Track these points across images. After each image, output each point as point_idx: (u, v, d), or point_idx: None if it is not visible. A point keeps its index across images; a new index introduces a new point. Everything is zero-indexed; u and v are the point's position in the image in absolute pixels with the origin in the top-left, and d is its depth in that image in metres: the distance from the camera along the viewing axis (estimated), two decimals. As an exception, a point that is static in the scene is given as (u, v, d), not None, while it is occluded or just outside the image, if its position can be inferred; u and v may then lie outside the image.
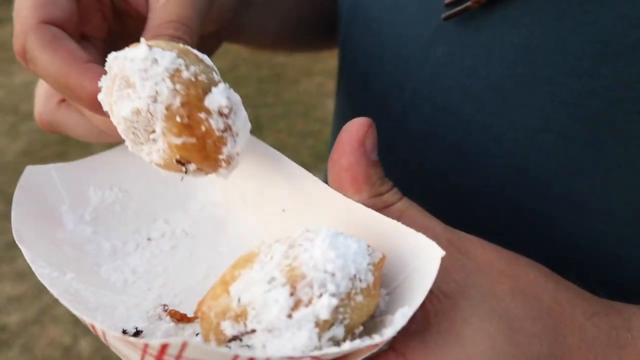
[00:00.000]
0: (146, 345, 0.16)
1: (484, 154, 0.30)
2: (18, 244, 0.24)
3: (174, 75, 0.21)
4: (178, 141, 0.21)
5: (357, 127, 0.24)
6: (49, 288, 0.23)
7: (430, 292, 0.19)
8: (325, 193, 0.23)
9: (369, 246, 0.19)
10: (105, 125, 0.26)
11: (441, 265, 0.19)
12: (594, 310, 0.22)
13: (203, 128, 0.22)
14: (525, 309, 0.21)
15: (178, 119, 0.21)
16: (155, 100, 0.21)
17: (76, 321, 1.80)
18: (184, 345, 0.15)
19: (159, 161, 0.23)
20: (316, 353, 0.16)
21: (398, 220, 0.22)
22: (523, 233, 0.29)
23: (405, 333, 0.19)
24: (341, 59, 0.42)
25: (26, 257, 0.24)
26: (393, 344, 0.20)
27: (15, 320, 1.80)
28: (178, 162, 0.23)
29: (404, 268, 0.20)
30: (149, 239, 0.29)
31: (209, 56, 0.26)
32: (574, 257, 0.28)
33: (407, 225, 0.21)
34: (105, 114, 0.24)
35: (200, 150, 0.22)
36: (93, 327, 0.19)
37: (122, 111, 0.22)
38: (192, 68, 0.22)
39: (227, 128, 0.22)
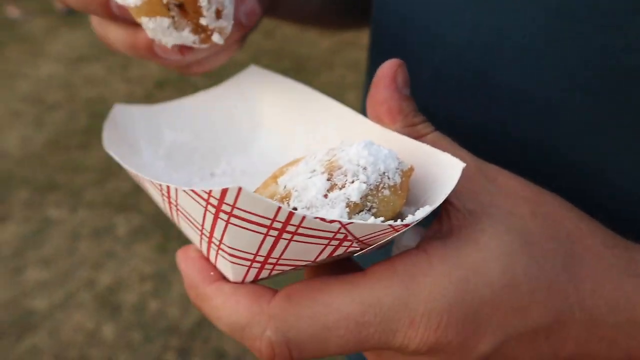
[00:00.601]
0: (210, 193, 0.18)
1: (513, 115, 0.30)
2: (108, 151, 0.29)
3: None
4: None
5: (389, 66, 0.26)
6: (133, 170, 0.25)
7: (457, 210, 0.22)
8: (366, 124, 0.27)
9: (398, 157, 0.22)
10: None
11: (469, 187, 0.22)
12: (615, 242, 0.23)
13: None
14: (544, 228, 0.22)
15: None
16: None
17: (100, 307, 1.85)
18: (239, 192, 0.17)
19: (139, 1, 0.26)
20: (345, 221, 0.18)
21: None
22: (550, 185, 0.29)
23: (430, 237, 0.22)
24: (373, 28, 0.42)
25: (116, 158, 0.27)
26: (419, 244, 0.22)
27: (42, 305, 1.86)
28: (164, 7, 0.25)
29: (431, 184, 0.22)
30: (211, 174, 0.34)
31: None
32: (599, 205, 0.28)
33: None
34: None
35: None
36: (167, 190, 0.21)
37: None
38: None
39: None
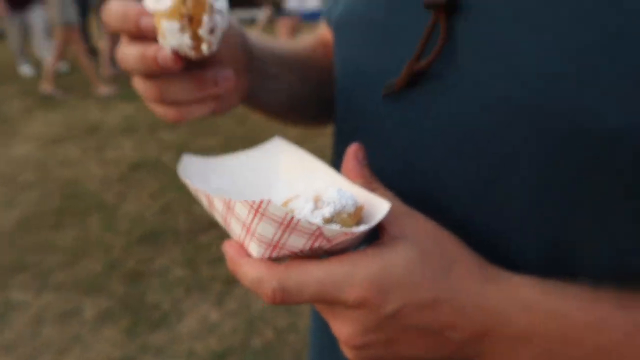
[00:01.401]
0: (254, 202, 0.31)
1: (442, 204, 0.41)
2: (183, 179, 0.41)
3: None
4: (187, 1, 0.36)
5: (354, 148, 0.41)
6: (194, 183, 0.39)
7: (386, 232, 0.35)
8: (341, 179, 0.41)
9: (355, 199, 0.35)
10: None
11: (395, 220, 0.35)
12: (481, 263, 0.36)
13: (203, 6, 0.36)
14: (436, 248, 0.35)
15: None
16: None
17: None
18: (269, 202, 0.30)
19: (168, 4, 0.36)
20: (321, 224, 0.32)
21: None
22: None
23: (370, 245, 0.34)
24: (337, 123, 0.56)
25: (188, 183, 0.40)
26: (365, 248, 0.35)
27: None
28: (182, 15, 0.36)
29: (373, 215, 0.35)
30: None
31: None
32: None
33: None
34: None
35: (196, 2, 0.35)
36: (229, 201, 0.34)
37: None
38: None
39: (213, 10, 0.36)
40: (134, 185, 3.39)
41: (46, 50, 6.04)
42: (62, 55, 5.44)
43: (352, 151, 0.41)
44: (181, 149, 3.97)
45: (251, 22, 11.58)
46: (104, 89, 5.43)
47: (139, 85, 0.44)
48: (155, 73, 0.41)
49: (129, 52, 0.40)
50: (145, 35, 0.39)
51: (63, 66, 6.24)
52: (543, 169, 0.35)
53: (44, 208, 3.06)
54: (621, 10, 0.31)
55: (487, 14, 0.36)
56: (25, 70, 6.42)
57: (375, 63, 0.44)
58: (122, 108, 4.97)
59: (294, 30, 5.41)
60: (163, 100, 0.43)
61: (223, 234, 2.75)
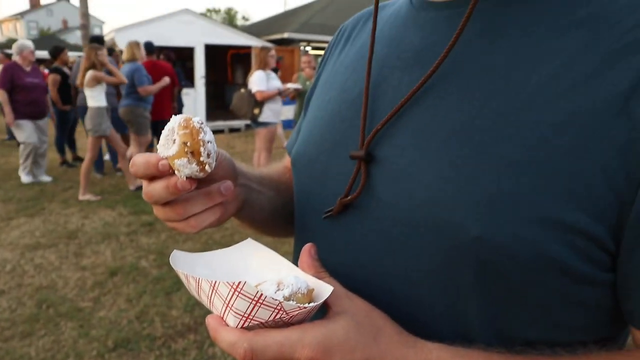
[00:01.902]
0: (233, 283, 0.42)
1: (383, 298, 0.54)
2: (174, 267, 0.52)
3: (186, 121, 0.50)
4: (187, 141, 0.49)
5: (307, 246, 0.54)
6: (184, 271, 0.50)
7: (330, 308, 0.47)
8: (297, 270, 0.53)
9: (307, 284, 0.47)
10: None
11: (337, 300, 0.47)
12: (405, 333, 0.48)
13: (198, 143, 0.49)
14: (368, 320, 0.46)
15: (186, 132, 0.50)
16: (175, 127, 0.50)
17: None
18: (245, 283, 0.42)
19: (175, 150, 0.49)
20: (282, 301, 0.43)
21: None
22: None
23: (319, 319, 0.45)
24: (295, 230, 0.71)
25: (176, 268, 0.52)
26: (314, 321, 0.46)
27: None
28: (186, 152, 0.49)
29: (321, 296, 0.46)
30: None
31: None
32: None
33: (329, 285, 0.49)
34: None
35: (193, 139, 0.49)
36: (214, 283, 0.46)
37: (161, 142, 0.51)
38: (195, 119, 0.51)
39: (206, 142, 0.50)
40: (110, 290, 3.38)
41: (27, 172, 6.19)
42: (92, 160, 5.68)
43: (307, 249, 0.54)
44: (160, 254, 4.01)
45: (229, 131, 12.12)
46: (88, 196, 5.55)
47: (162, 213, 0.56)
48: (177, 196, 0.53)
49: (154, 188, 0.52)
50: (162, 174, 0.52)
51: (46, 178, 6.32)
52: (439, 268, 0.49)
53: (15, 317, 3.00)
54: (471, 143, 0.46)
55: (393, 162, 0.52)
56: (25, 178, 6.36)
57: (319, 194, 0.60)
58: (103, 215, 5.04)
59: (272, 140, 5.73)
60: (184, 216, 0.55)
61: (199, 340, 2.73)
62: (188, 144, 0.49)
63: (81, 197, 5.59)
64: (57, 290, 3.39)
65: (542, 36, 0.47)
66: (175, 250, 0.57)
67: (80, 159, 7.67)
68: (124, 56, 6.01)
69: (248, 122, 5.96)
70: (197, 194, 0.55)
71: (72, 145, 7.75)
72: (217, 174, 0.57)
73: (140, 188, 5.78)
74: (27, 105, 6.05)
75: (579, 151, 0.42)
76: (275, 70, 6.21)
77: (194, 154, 0.49)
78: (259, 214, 0.71)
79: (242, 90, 5.68)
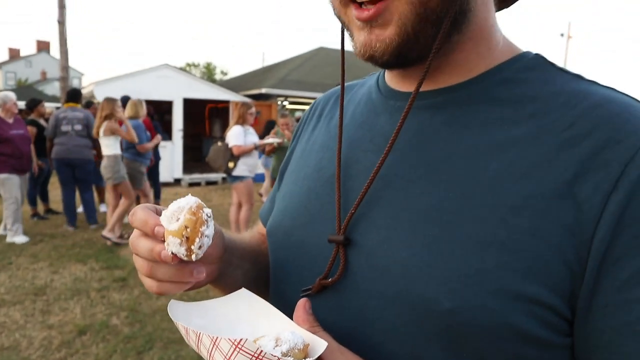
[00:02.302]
0: (234, 340, 0.45)
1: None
2: (173, 319, 0.55)
3: (197, 208, 0.53)
4: (188, 226, 0.52)
5: (302, 301, 0.56)
6: (183, 323, 0.53)
7: None
8: (293, 324, 0.54)
9: (303, 339, 0.49)
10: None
11: (331, 354, 0.50)
12: None
13: (197, 233, 0.52)
14: None
15: (192, 219, 0.53)
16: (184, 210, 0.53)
17: None
18: (246, 340, 0.44)
19: (175, 228, 0.52)
20: (281, 356, 0.45)
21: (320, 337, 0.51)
22: None
23: None
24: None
25: (175, 320, 0.55)
26: None
27: None
28: (183, 235, 0.51)
29: (317, 351, 0.49)
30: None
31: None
32: None
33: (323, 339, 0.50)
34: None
35: (194, 227, 0.52)
36: (215, 338, 0.48)
37: (168, 211, 0.54)
38: (205, 211, 0.54)
39: (203, 235, 0.52)
40: (78, 351, 3.25)
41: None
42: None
43: (302, 304, 0.56)
44: (133, 310, 3.89)
45: (206, 184, 12.09)
46: (111, 234, 5.83)
47: (137, 261, 0.58)
48: (156, 262, 0.56)
49: (141, 243, 0.56)
50: (153, 237, 0.55)
51: (23, 238, 6.08)
52: (413, 337, 0.52)
53: (-23, 379, 2.85)
54: (440, 224, 0.52)
55: (368, 242, 0.56)
56: (19, 238, 6.02)
57: (296, 269, 0.64)
58: (74, 270, 4.90)
59: (251, 194, 5.75)
60: (150, 276, 0.57)
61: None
62: (188, 229, 0.52)
63: (105, 233, 5.80)
64: (20, 351, 3.25)
65: (498, 128, 0.54)
66: (172, 300, 0.59)
67: (52, 211, 7.52)
68: (127, 113, 6.24)
69: (222, 173, 6.01)
70: (171, 264, 0.57)
71: (45, 197, 7.61)
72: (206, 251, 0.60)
73: (118, 244, 5.81)
74: (13, 158, 5.88)
75: (535, 231, 0.48)
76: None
77: (189, 240, 0.52)
78: (231, 286, 0.72)
79: (219, 143, 5.75)
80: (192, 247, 0.52)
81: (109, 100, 5.79)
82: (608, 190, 0.47)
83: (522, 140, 0.52)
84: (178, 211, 0.53)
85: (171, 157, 11.63)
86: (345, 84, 0.74)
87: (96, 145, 6.50)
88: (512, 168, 0.51)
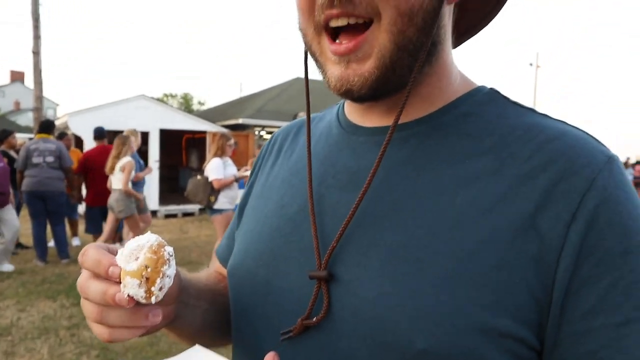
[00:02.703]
0: None
1: None
2: None
3: (158, 246, 0.50)
4: (149, 266, 0.49)
5: (270, 355, 0.52)
6: None
7: None
8: None
9: None
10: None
11: None
12: None
13: (158, 274, 0.49)
14: None
15: (153, 258, 0.50)
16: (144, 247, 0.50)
17: None
18: None
19: (134, 268, 0.48)
20: None
21: None
22: None
23: None
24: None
25: None
26: None
27: None
28: (142, 276, 0.48)
29: None
30: None
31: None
32: None
33: None
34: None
35: (155, 267, 0.49)
36: None
37: (126, 249, 0.50)
38: (167, 249, 0.51)
39: (165, 275, 0.50)
40: (44, 394, 3.09)
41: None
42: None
43: (271, 356, 0.53)
44: (104, 349, 3.75)
45: (183, 215, 11.92)
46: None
47: (85, 306, 0.54)
48: (109, 305, 0.51)
49: (92, 285, 0.52)
50: (106, 279, 0.51)
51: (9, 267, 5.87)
52: None
53: None
54: (409, 260, 0.51)
55: (341, 280, 0.54)
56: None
57: (262, 311, 0.61)
58: (43, 307, 4.72)
59: (227, 226, 5.68)
60: (101, 322, 0.53)
61: None
62: (149, 269, 0.49)
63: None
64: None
65: (461, 162, 0.55)
66: None
67: (21, 246, 7.28)
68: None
69: (201, 206, 5.95)
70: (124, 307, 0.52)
71: (14, 231, 7.38)
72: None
73: None
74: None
75: (501, 264, 0.49)
76: None
77: (149, 280, 0.49)
78: (187, 328, 0.69)
79: (198, 177, 5.72)
80: (152, 288, 0.49)
81: (120, 138, 5.98)
82: (568, 221, 0.49)
83: (483, 174, 0.53)
84: (137, 250, 0.50)
85: (147, 188, 11.39)
86: (302, 118, 0.74)
87: (68, 177, 6.38)
88: (476, 202, 0.52)
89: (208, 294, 0.73)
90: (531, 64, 34.34)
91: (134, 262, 0.49)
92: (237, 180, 5.74)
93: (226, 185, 5.60)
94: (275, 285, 0.60)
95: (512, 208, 0.50)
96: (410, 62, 0.54)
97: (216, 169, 5.58)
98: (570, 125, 0.57)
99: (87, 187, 6.66)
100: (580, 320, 0.48)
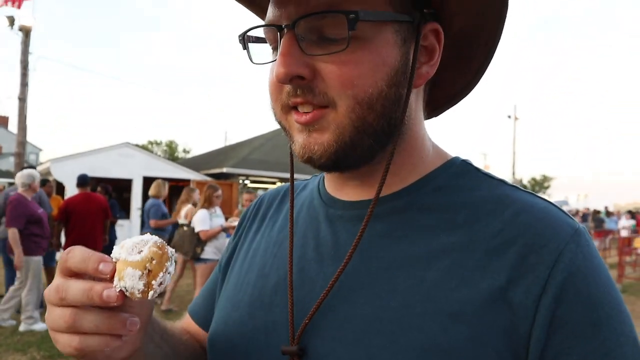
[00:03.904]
0: None
1: None
2: None
3: (162, 243, 0.51)
4: (154, 258, 0.49)
5: None
6: None
7: None
8: None
9: None
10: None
11: None
12: None
13: (162, 267, 0.49)
14: None
15: (158, 252, 0.50)
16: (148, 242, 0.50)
17: None
18: None
19: (137, 259, 0.48)
20: None
21: None
22: None
23: None
24: None
25: None
26: None
27: None
28: (145, 267, 0.48)
29: None
30: None
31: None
32: None
33: None
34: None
35: (160, 261, 0.49)
36: None
37: (129, 242, 0.50)
38: (169, 248, 0.51)
39: (167, 271, 0.49)
40: None
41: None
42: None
43: None
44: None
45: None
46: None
47: (52, 316, 0.50)
48: (92, 304, 0.49)
49: (73, 285, 0.49)
50: (94, 275, 0.49)
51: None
52: None
53: None
54: (383, 333, 0.52)
55: (316, 354, 0.56)
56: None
57: None
58: None
59: (208, 276, 5.59)
60: (72, 328, 0.49)
61: None
62: (154, 262, 0.48)
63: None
64: None
65: (434, 236, 0.58)
66: None
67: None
68: (151, 192, 6.96)
69: (187, 258, 5.91)
70: (99, 310, 0.50)
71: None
72: (134, 308, 0.54)
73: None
74: (44, 239, 5.57)
75: (473, 336, 0.51)
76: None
77: (151, 273, 0.48)
78: None
79: (185, 228, 5.70)
80: (153, 282, 0.48)
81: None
82: (538, 294, 0.51)
83: (456, 248, 0.56)
84: (141, 243, 0.50)
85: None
86: (288, 185, 0.77)
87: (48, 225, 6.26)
88: (448, 276, 0.54)
89: (171, 339, 0.71)
90: (509, 117, 35.28)
91: (138, 255, 0.48)
92: (224, 230, 5.71)
93: (213, 236, 5.58)
94: (253, 357, 0.61)
95: (484, 282, 0.52)
96: (372, 144, 0.58)
97: (202, 220, 5.58)
98: (538, 196, 0.60)
99: (66, 234, 6.53)
100: None
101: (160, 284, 0.49)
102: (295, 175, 0.75)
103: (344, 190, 0.67)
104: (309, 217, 0.69)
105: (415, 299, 0.54)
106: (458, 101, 0.72)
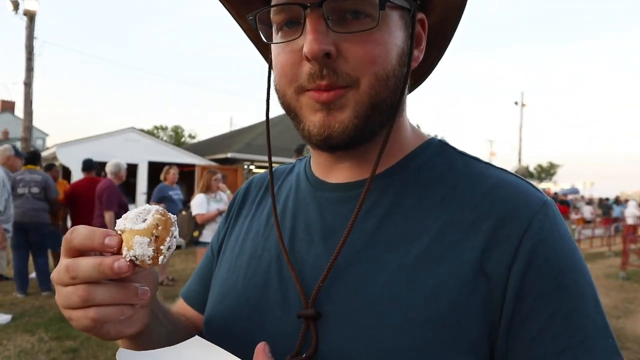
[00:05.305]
0: None
1: None
2: None
3: (164, 210, 0.51)
4: (159, 224, 0.50)
5: (261, 345, 0.55)
6: None
7: None
8: None
9: None
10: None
11: None
12: None
13: (168, 232, 0.50)
14: None
15: (162, 218, 0.51)
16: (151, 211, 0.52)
17: None
18: None
19: (144, 226, 0.49)
20: None
21: None
22: None
23: None
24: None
25: None
26: None
27: None
28: (152, 234, 0.49)
29: None
30: None
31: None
32: None
33: None
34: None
35: (165, 226, 0.50)
36: None
37: (132, 213, 0.50)
38: (171, 215, 0.53)
39: (173, 235, 0.51)
40: None
41: None
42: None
43: (261, 347, 0.56)
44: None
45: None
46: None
47: (64, 294, 0.52)
48: (104, 278, 0.50)
49: (83, 263, 0.50)
50: (102, 250, 0.50)
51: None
52: None
53: None
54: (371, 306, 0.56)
55: (336, 319, 0.58)
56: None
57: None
58: (20, 341, 4.61)
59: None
60: (86, 303, 0.51)
61: None
62: (160, 227, 0.50)
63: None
64: None
65: (416, 214, 0.61)
66: (120, 349, 0.56)
67: (2, 277, 7.14)
68: (163, 178, 7.08)
69: (185, 241, 5.99)
70: (110, 283, 0.52)
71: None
72: (141, 281, 0.56)
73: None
74: None
75: (455, 306, 0.54)
76: None
77: (159, 239, 0.50)
78: (155, 346, 0.68)
79: (183, 212, 5.76)
80: (162, 247, 0.50)
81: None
82: (510, 261, 0.55)
83: (435, 225, 0.59)
84: (144, 212, 0.51)
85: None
86: (275, 169, 0.80)
87: (53, 208, 6.34)
88: (430, 251, 0.58)
89: (173, 317, 0.74)
90: (516, 103, 35.10)
91: (142, 223, 0.49)
92: (221, 214, 5.77)
93: (209, 220, 5.64)
94: (255, 333, 0.63)
95: (463, 255, 0.56)
96: (382, 119, 0.61)
97: (199, 204, 5.66)
98: (510, 173, 0.64)
99: (72, 219, 6.60)
100: (525, 350, 0.54)
101: (169, 248, 0.51)
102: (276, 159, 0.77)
103: (331, 172, 0.70)
104: (297, 200, 0.72)
105: (399, 276, 0.57)
106: (427, 77, 0.77)
